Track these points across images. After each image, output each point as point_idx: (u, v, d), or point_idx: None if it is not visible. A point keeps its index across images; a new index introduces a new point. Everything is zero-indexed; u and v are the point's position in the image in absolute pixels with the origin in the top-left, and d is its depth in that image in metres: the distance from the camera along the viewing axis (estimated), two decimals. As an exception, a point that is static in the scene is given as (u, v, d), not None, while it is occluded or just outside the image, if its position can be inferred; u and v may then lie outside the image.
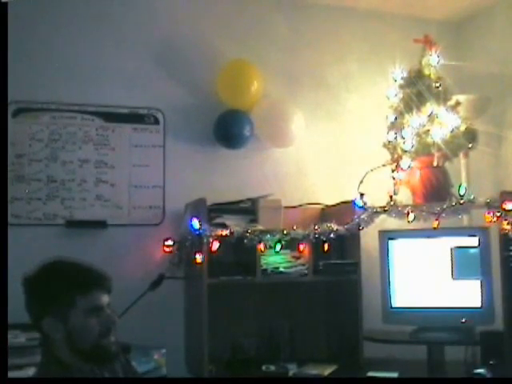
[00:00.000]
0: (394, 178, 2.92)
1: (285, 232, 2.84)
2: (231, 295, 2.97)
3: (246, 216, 2.99)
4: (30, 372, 2.15)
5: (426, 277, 2.90)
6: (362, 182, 2.93)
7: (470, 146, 2.92)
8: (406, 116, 2.92)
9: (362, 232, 2.94)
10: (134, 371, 1.87)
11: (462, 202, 2.68)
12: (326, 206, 3.28)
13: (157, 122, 3.19)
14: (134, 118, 3.15)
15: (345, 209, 3.02)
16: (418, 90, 2.90)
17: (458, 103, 2.92)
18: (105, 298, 1.65)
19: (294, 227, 2.87)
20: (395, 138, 2.95)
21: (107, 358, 1.66)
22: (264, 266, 2.87)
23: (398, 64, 2.99)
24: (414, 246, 2.95)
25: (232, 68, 3.20)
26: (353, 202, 2.92)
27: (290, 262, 2.93)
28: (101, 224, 3.02)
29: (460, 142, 2.88)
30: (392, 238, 2.96)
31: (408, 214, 2.77)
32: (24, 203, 2.94)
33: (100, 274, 1.68)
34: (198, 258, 2.74)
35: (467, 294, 2.80)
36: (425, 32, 3.01)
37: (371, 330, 2.95)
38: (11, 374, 1.89)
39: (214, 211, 2.92)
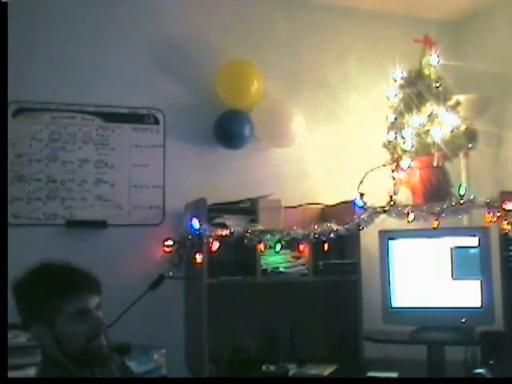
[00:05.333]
0: (394, 178, 2.92)
1: (285, 232, 2.84)
2: (231, 295, 2.97)
3: (246, 216, 2.99)
4: (30, 372, 2.15)
5: (426, 277, 2.89)
6: (361, 182, 2.93)
7: (470, 145, 2.92)
8: (406, 116, 2.92)
9: (362, 232, 2.94)
10: (131, 372, 1.86)
11: (462, 202, 2.68)
12: (326, 205, 3.28)
13: (157, 122, 3.19)
14: (134, 118, 3.16)
15: (345, 209, 3.02)
16: (418, 90, 2.90)
17: (458, 103, 2.93)
18: (92, 301, 1.60)
19: (294, 227, 2.87)
20: (395, 137, 2.95)
21: (98, 362, 1.62)
22: (264, 266, 2.87)
23: (397, 64, 2.99)
24: (414, 246, 2.95)
25: (232, 68, 3.20)
26: (353, 202, 2.92)
27: (289, 262, 2.93)
28: (101, 224, 3.02)
29: (460, 142, 2.89)
30: (392, 238, 2.95)
31: (408, 214, 2.77)
32: (24, 203, 2.94)
33: (86, 276, 1.62)
34: (198, 258, 2.74)
35: (467, 294, 2.80)
36: (425, 32, 3.02)
37: (371, 330, 2.94)
38: (11, 374, 1.89)
39: (214, 211, 2.92)
